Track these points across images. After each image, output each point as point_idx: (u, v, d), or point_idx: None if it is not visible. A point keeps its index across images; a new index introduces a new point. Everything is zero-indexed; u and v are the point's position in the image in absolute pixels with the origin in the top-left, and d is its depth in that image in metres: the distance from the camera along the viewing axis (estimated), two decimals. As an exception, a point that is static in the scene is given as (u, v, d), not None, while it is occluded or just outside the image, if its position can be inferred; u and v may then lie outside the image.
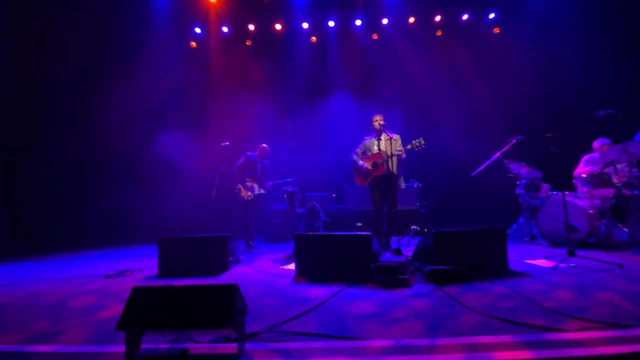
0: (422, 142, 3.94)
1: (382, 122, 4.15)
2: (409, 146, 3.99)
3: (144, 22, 6.94)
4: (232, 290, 1.53)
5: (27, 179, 6.27)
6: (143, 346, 1.55)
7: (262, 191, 5.14)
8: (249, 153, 5.21)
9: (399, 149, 4.03)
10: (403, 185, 4.15)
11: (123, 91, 6.70)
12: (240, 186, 5.05)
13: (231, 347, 1.54)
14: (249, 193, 5.00)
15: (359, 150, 4.35)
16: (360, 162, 4.21)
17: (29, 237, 5.90)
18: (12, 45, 6.09)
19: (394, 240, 4.09)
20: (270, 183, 5.34)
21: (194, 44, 7.56)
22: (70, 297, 2.62)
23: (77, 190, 6.49)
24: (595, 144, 4.67)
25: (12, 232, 5.87)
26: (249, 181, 5.07)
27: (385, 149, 4.11)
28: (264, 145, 5.34)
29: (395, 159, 4.03)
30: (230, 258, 3.57)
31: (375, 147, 4.24)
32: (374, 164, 4.13)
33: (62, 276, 3.46)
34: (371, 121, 4.30)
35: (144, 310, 1.52)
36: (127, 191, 6.43)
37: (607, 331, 1.59)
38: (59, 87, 6.44)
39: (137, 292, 1.58)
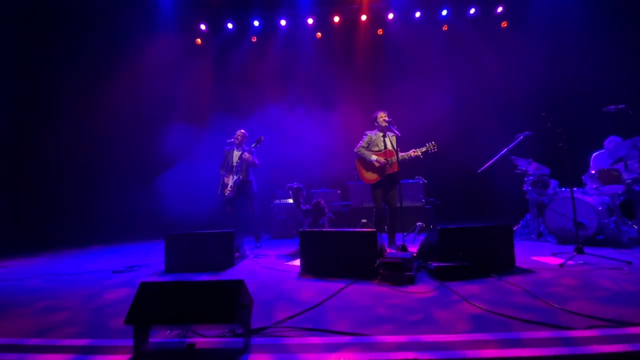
0: (435, 145, 3.94)
1: (387, 119, 4.10)
2: (424, 149, 3.99)
3: (147, 19, 6.97)
4: (238, 285, 1.54)
5: (33, 176, 6.36)
6: (151, 340, 1.58)
7: (236, 177, 4.66)
8: (226, 147, 4.89)
9: (414, 151, 3.99)
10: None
11: (129, 89, 6.76)
12: (222, 184, 4.73)
13: (237, 342, 1.56)
14: (227, 188, 4.67)
15: (363, 144, 4.21)
16: (374, 157, 4.06)
17: (35, 233, 6.01)
18: (17, 43, 6.16)
19: (399, 237, 4.08)
20: (246, 154, 4.68)
21: (199, 40, 7.57)
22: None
23: (83, 188, 6.57)
24: (607, 143, 4.58)
25: (20, 229, 5.98)
26: (227, 176, 4.72)
27: (393, 146, 4.08)
28: (241, 130, 4.92)
29: (396, 158, 4.00)
30: (236, 254, 3.59)
31: (382, 144, 4.17)
32: (388, 161, 4.06)
33: (73, 271, 3.53)
34: (375, 118, 4.21)
35: (152, 305, 1.55)
36: (134, 188, 6.49)
37: (615, 329, 1.58)
38: (64, 85, 6.51)
39: (144, 287, 1.60)
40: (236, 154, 4.82)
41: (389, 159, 4.05)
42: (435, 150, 3.96)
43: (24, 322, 2.02)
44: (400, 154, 3.97)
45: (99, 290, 2.70)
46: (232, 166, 4.74)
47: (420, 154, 3.98)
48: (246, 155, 4.61)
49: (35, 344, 1.66)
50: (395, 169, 4.02)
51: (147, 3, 6.94)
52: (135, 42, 6.88)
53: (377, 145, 4.18)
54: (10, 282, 3.11)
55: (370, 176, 4.14)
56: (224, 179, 4.72)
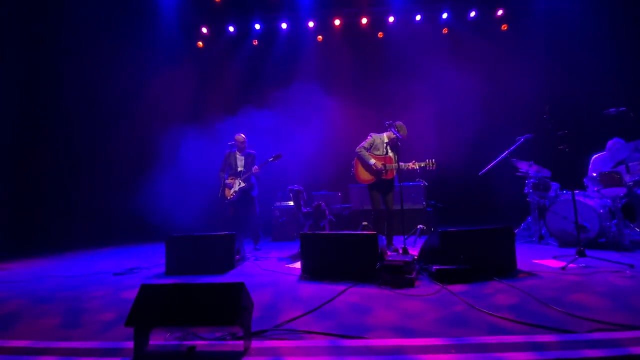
0: (435, 164, 4.00)
1: (404, 134, 4.07)
2: (423, 164, 4.02)
3: (150, 21, 7.03)
4: (238, 288, 1.54)
5: (31, 178, 6.37)
6: (151, 343, 1.58)
7: (243, 185, 4.70)
8: (227, 151, 4.93)
9: (413, 164, 4.02)
10: (400, 187, 4.09)
11: (131, 91, 6.79)
12: (223, 187, 4.73)
13: (238, 345, 1.56)
14: (231, 191, 4.70)
15: (366, 144, 4.24)
16: (373, 160, 4.10)
17: (34, 235, 6.01)
18: (18, 46, 6.19)
19: (400, 240, 4.08)
20: (255, 167, 4.72)
21: (200, 44, 7.62)
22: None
23: (81, 190, 6.57)
24: (610, 145, 4.56)
25: (18, 231, 5.98)
26: (230, 179, 4.74)
27: (395, 154, 4.10)
28: (241, 135, 4.91)
29: (394, 166, 4.02)
30: (237, 257, 3.59)
31: (383, 150, 4.21)
32: (385, 167, 4.10)
33: (73, 274, 3.53)
34: (395, 125, 4.05)
35: (153, 308, 1.54)
36: (133, 189, 6.50)
37: (617, 332, 1.57)
38: (67, 87, 6.54)
39: (145, 289, 1.60)
40: (239, 157, 4.87)
41: (387, 165, 4.09)
42: (434, 168, 4.02)
43: (26, 324, 2.02)
44: (401, 164, 4.00)
45: (98, 292, 2.70)
46: (238, 172, 4.80)
47: (418, 167, 4.04)
48: (256, 169, 4.69)
49: (34, 346, 1.65)
50: (391, 176, 4.07)
51: (150, 6, 7.00)
52: (137, 44, 6.91)
53: (378, 149, 4.22)
54: (12, 285, 3.11)
55: (366, 177, 4.21)
56: (225, 182, 4.74)
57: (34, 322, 2.07)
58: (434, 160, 4.00)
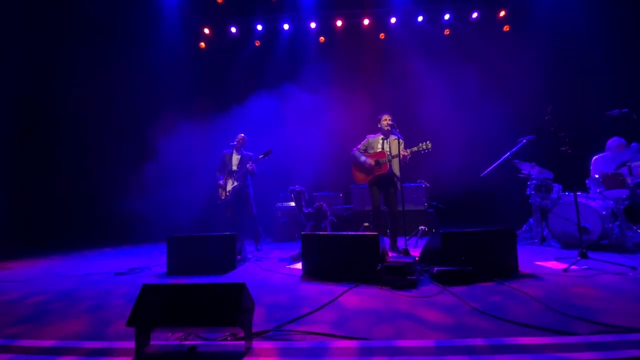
0: (429, 144, 3.94)
1: (390, 122, 4.14)
2: (415, 148, 3.99)
3: (152, 22, 7.05)
4: (239, 288, 1.54)
5: (30, 178, 6.40)
6: (152, 342, 1.58)
7: (235, 183, 4.72)
8: (225, 150, 4.95)
9: (404, 151, 3.99)
10: (401, 186, 4.07)
11: (133, 92, 6.81)
12: (222, 188, 4.75)
13: (239, 345, 1.56)
14: (225, 191, 4.73)
15: (361, 147, 4.35)
16: (363, 157, 4.19)
17: (34, 236, 6.03)
18: (23, 46, 6.23)
19: (401, 241, 4.07)
20: (249, 164, 4.72)
21: (202, 44, 7.64)
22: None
23: (79, 190, 6.59)
24: (610, 143, 4.55)
25: (19, 231, 6.00)
26: (226, 179, 4.76)
27: (390, 149, 4.12)
28: (240, 134, 4.96)
29: (396, 160, 4.02)
30: (238, 257, 3.59)
31: (379, 146, 4.24)
32: (377, 162, 4.13)
33: (73, 274, 3.54)
34: (379, 119, 4.30)
35: (154, 308, 1.54)
36: (136, 190, 6.51)
37: (619, 335, 1.56)
38: (70, 88, 6.56)
39: (146, 289, 1.60)
40: (235, 157, 4.88)
41: (380, 159, 4.11)
42: (429, 149, 3.94)
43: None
44: (392, 156, 4.02)
45: (99, 292, 2.71)
46: (232, 171, 4.80)
47: (409, 153, 3.97)
48: (250, 166, 4.70)
49: (35, 346, 1.66)
50: (385, 170, 4.06)
51: (152, 6, 7.02)
52: (139, 44, 6.93)
53: (373, 147, 4.29)
54: (19, 284, 3.12)
55: (360, 176, 4.27)
56: (220, 182, 4.77)
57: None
58: (428, 142, 3.94)
